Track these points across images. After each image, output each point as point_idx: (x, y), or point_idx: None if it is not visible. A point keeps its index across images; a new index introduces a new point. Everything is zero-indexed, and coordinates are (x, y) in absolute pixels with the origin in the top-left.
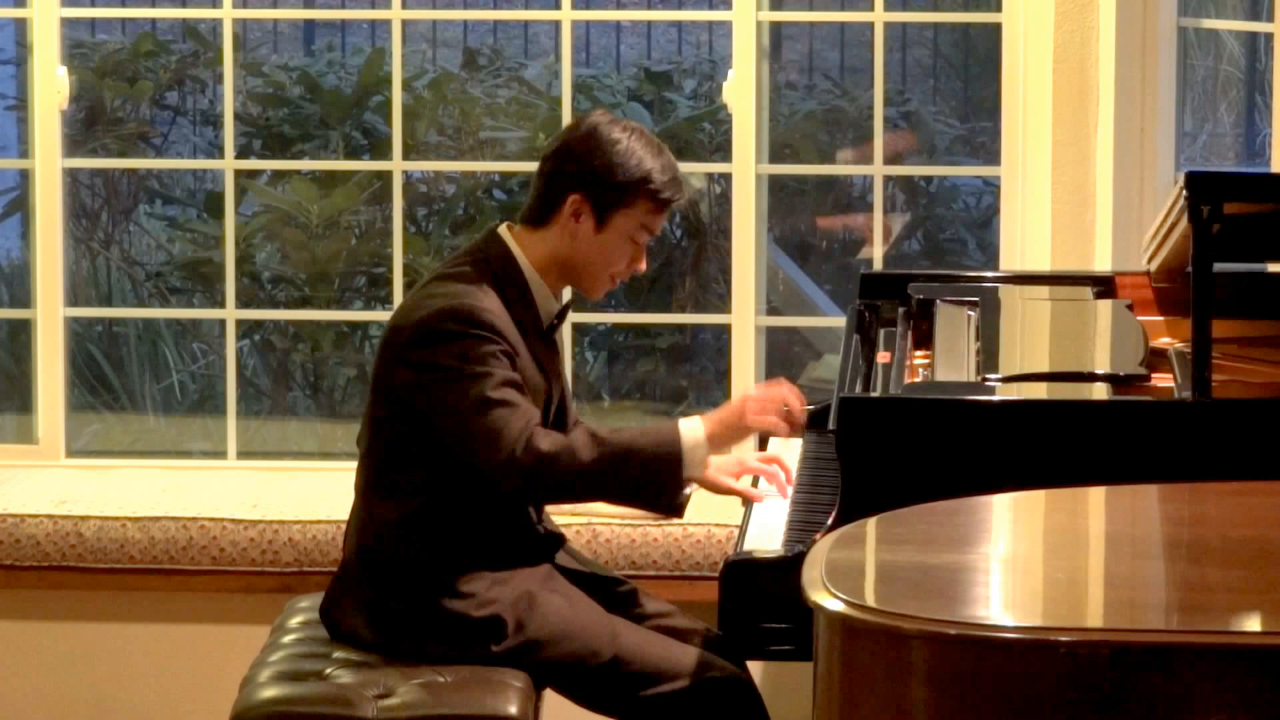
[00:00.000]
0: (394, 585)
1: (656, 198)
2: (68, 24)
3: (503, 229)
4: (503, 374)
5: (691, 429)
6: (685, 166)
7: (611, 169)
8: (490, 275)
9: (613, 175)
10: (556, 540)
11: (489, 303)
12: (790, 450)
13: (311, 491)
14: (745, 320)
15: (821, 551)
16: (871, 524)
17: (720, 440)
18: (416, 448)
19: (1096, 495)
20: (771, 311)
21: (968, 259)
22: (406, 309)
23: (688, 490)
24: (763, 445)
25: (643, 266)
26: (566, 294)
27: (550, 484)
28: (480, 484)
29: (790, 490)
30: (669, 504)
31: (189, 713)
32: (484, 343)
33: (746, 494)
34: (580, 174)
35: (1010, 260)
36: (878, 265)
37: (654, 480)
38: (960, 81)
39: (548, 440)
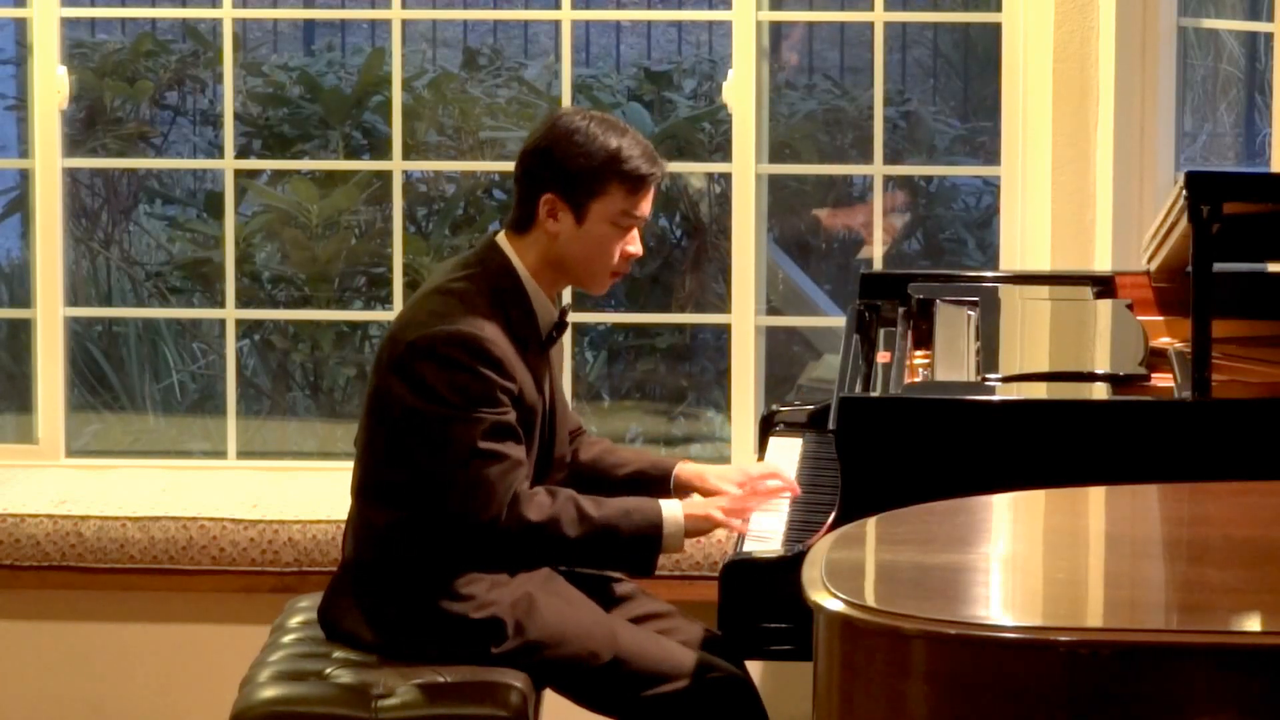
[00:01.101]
0: (393, 588)
1: (630, 177)
2: (68, 24)
3: (501, 238)
4: (495, 418)
5: (673, 514)
6: (685, 167)
7: (574, 158)
8: (492, 292)
9: (576, 164)
10: None
11: (491, 329)
12: (790, 451)
13: (311, 491)
14: (745, 320)
15: (821, 551)
16: (871, 524)
17: (694, 530)
18: (412, 453)
19: (1096, 495)
20: (771, 311)
21: (968, 259)
22: (407, 322)
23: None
24: (762, 445)
25: (636, 250)
26: (566, 297)
27: (529, 552)
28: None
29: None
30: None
31: (189, 713)
32: (485, 380)
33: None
34: (546, 172)
35: (1010, 260)
36: (878, 265)
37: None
38: (960, 81)
39: (534, 508)
